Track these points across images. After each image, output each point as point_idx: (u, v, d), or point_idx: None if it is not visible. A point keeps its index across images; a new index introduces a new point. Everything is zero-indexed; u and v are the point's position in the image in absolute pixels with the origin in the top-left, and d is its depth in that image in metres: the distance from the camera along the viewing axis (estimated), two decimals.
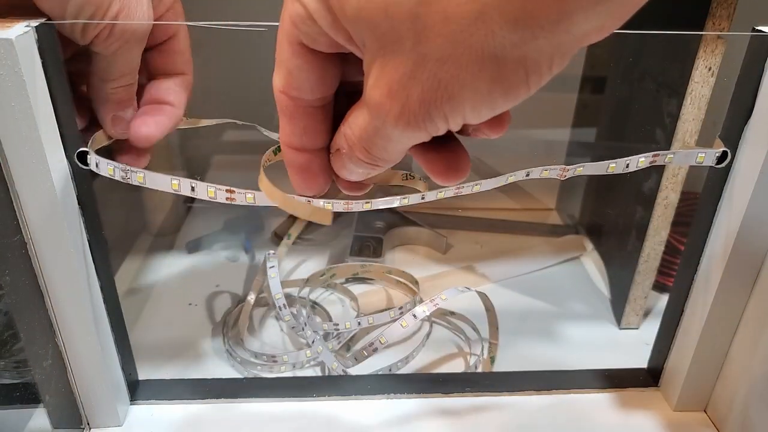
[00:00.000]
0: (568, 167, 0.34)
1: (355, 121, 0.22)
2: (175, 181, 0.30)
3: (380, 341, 0.42)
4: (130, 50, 0.32)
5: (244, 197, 0.31)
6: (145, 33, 0.32)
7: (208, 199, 0.31)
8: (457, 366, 0.48)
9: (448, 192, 0.32)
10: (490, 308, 0.49)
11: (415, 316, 0.42)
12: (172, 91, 0.36)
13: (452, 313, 0.52)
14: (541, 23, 0.16)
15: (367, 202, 0.31)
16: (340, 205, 0.29)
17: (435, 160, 0.23)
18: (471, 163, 0.23)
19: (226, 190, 0.30)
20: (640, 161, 0.35)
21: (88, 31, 0.30)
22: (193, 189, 0.30)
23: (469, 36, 0.17)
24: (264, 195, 0.28)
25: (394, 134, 0.20)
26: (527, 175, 0.34)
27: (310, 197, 0.27)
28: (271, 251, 0.52)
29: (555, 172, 0.34)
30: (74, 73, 0.34)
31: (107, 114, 0.34)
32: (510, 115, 0.22)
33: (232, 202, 0.30)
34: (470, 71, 0.17)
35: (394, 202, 0.32)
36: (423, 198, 0.32)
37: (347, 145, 0.23)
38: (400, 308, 0.48)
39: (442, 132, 0.20)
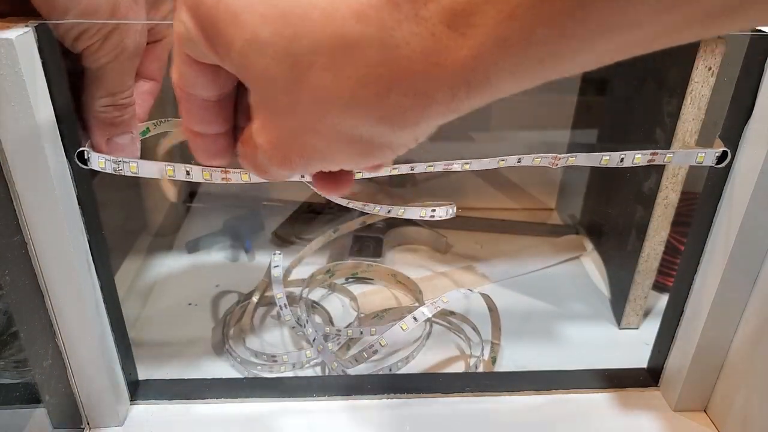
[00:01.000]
0: (560, 156, 0.34)
1: (247, 147, 0.22)
2: (169, 167, 0.30)
3: (380, 343, 0.42)
4: (121, 65, 0.31)
5: (239, 176, 0.31)
6: (137, 49, 0.31)
7: (203, 181, 0.31)
8: (457, 366, 0.48)
9: (438, 166, 0.32)
10: (493, 309, 0.49)
11: (415, 318, 0.42)
12: (139, 103, 0.35)
13: (452, 314, 0.52)
14: (402, 125, 0.17)
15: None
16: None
17: (317, 174, 0.24)
18: (354, 180, 0.24)
19: (221, 171, 0.30)
20: (636, 158, 0.35)
21: (80, 42, 0.29)
22: (188, 173, 0.31)
23: (339, 121, 0.18)
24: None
25: (281, 173, 0.21)
26: (519, 161, 0.34)
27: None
28: (278, 251, 0.52)
29: (547, 160, 0.34)
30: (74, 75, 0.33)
31: (101, 137, 0.33)
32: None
33: (228, 182, 0.30)
34: (341, 146, 0.19)
35: (382, 171, 0.33)
36: (412, 169, 0.33)
37: (245, 163, 0.23)
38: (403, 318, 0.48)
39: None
